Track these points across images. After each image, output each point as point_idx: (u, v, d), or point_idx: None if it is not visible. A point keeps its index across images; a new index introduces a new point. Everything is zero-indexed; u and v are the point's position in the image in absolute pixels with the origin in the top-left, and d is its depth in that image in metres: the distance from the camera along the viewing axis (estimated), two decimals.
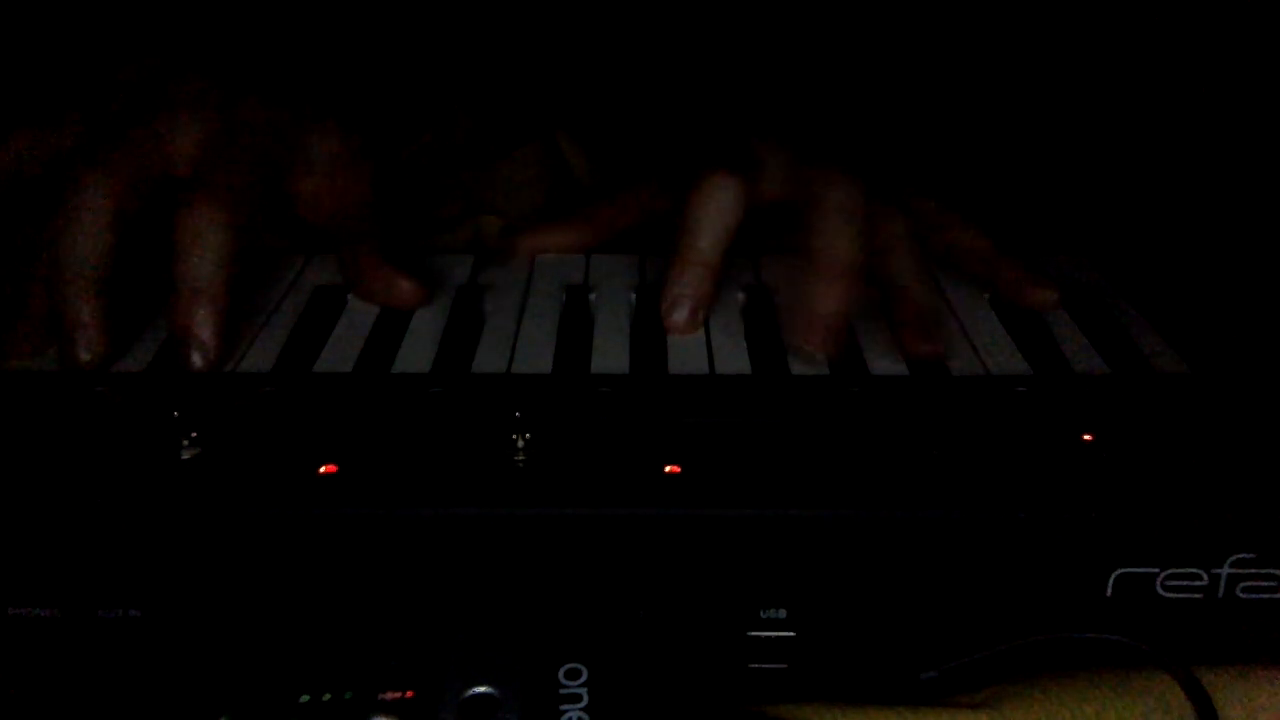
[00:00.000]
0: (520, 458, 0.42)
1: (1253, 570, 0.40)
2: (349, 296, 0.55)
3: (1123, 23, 0.67)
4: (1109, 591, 0.40)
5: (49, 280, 0.48)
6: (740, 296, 0.55)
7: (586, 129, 0.69)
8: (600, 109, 0.70)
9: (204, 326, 0.48)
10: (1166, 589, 0.40)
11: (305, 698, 0.37)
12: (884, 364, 0.50)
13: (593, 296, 0.55)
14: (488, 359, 0.50)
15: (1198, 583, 0.40)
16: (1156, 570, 0.40)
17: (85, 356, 0.47)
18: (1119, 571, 0.40)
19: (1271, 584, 0.40)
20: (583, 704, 0.37)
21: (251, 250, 0.49)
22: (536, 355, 0.50)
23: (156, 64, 0.53)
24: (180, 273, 0.48)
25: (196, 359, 0.48)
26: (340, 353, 0.50)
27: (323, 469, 0.41)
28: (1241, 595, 0.40)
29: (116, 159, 0.49)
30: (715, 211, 0.52)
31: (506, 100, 0.70)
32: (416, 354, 0.50)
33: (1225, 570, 0.40)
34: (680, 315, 0.52)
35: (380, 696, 0.37)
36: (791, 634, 0.40)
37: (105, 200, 0.48)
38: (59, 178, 0.49)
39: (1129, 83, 0.68)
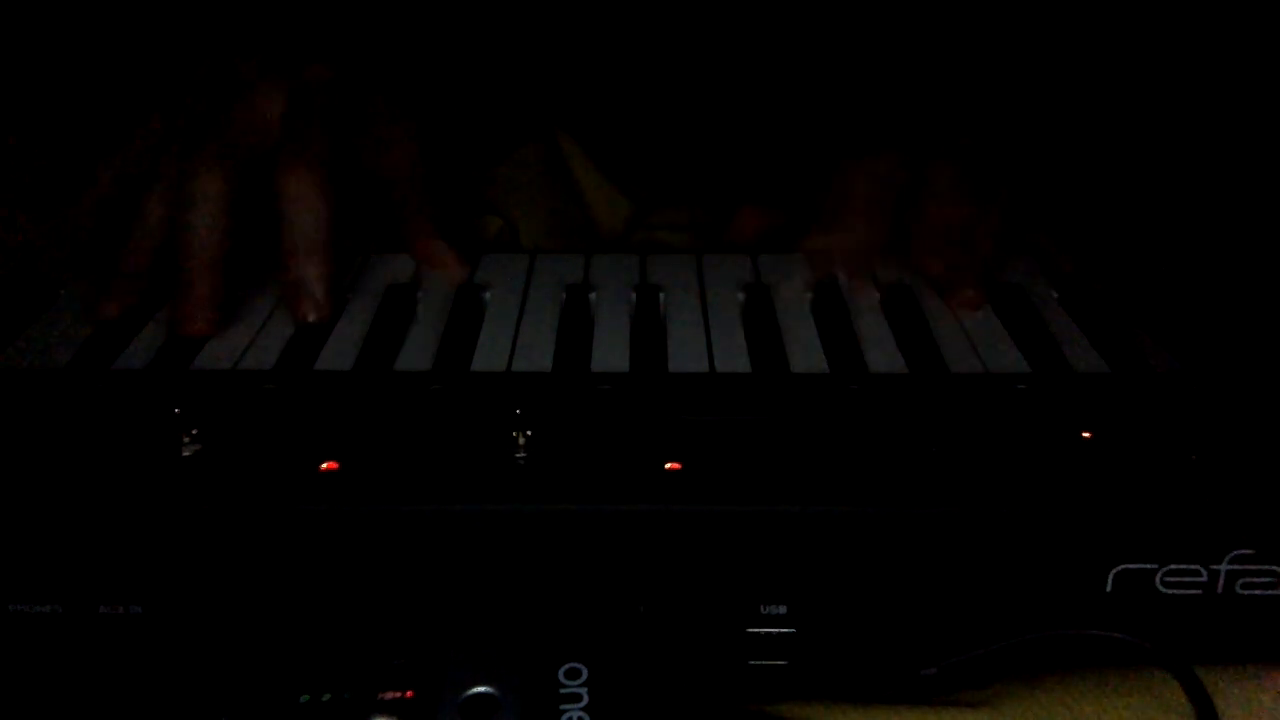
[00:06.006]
0: (521, 455, 0.42)
1: (1252, 566, 0.40)
2: (348, 294, 0.55)
3: (1126, 25, 0.67)
4: (1109, 588, 0.40)
5: (169, 258, 0.51)
6: (740, 296, 0.55)
7: (586, 128, 0.69)
8: (601, 109, 0.70)
9: (318, 281, 0.52)
10: (1166, 585, 0.40)
11: (305, 697, 0.37)
12: (883, 361, 0.50)
13: (593, 295, 0.55)
14: (488, 357, 0.50)
15: (1197, 579, 0.40)
16: (1156, 566, 0.40)
17: (204, 329, 0.51)
18: (1119, 568, 0.40)
19: (1271, 580, 0.40)
20: (583, 704, 0.37)
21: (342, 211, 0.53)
22: (537, 353, 0.50)
23: (235, 50, 0.57)
24: (290, 231, 0.51)
25: (310, 310, 0.52)
26: (341, 350, 0.50)
27: (324, 466, 0.41)
28: (1241, 591, 0.40)
29: (222, 143, 0.52)
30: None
31: (506, 100, 0.70)
32: (417, 352, 0.50)
33: (1225, 567, 0.40)
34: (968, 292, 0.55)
35: (380, 696, 0.37)
36: (792, 630, 0.40)
37: (220, 184, 0.51)
38: (166, 162, 0.53)
39: (1126, 82, 0.68)
